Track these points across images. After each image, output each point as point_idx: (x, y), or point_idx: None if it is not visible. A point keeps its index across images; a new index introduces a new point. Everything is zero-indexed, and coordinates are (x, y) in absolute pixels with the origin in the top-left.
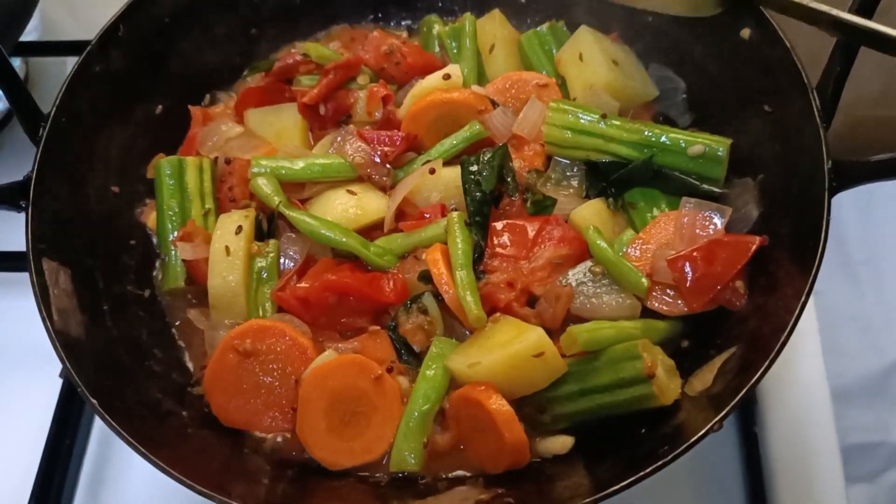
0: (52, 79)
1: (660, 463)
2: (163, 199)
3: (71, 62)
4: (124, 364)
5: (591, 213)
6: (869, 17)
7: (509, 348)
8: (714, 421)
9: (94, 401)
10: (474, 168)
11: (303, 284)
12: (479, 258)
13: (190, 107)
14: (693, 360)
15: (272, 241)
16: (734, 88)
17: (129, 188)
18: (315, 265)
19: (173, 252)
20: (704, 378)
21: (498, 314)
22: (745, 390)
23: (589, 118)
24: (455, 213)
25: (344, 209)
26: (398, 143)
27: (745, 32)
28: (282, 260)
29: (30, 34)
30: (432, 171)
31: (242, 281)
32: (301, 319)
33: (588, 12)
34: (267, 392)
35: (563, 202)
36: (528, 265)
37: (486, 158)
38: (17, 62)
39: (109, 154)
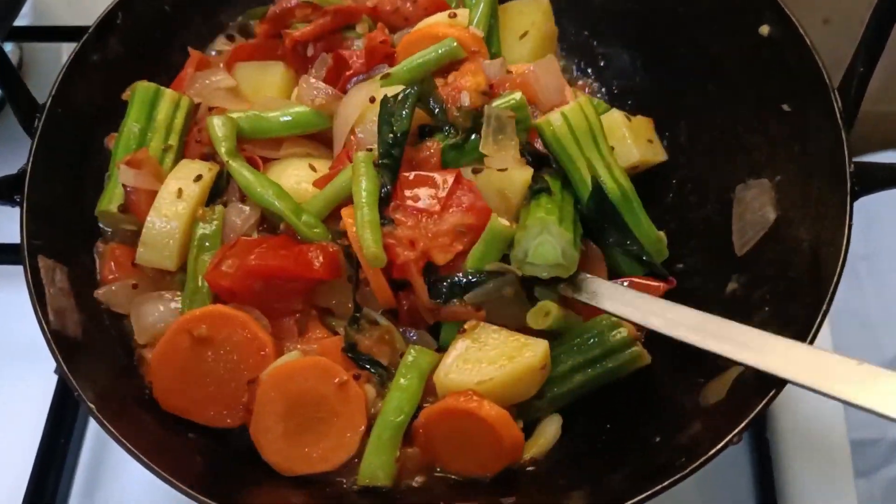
0: (46, 64)
1: (678, 476)
2: (127, 121)
3: (66, 48)
4: (123, 366)
5: (521, 182)
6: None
7: (518, 362)
8: (733, 433)
9: (92, 406)
10: (389, 105)
11: (225, 269)
12: (385, 201)
13: (189, 48)
14: (707, 369)
15: (218, 208)
16: (751, 86)
17: None
18: (234, 246)
19: (116, 173)
20: (719, 389)
21: (474, 323)
22: (764, 402)
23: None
24: (361, 153)
25: (297, 181)
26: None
27: (765, 29)
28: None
29: (22, 18)
30: (372, 100)
31: (183, 229)
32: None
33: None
34: (216, 384)
35: (495, 158)
36: (433, 227)
37: (402, 95)
38: (9, 47)
39: (106, 146)
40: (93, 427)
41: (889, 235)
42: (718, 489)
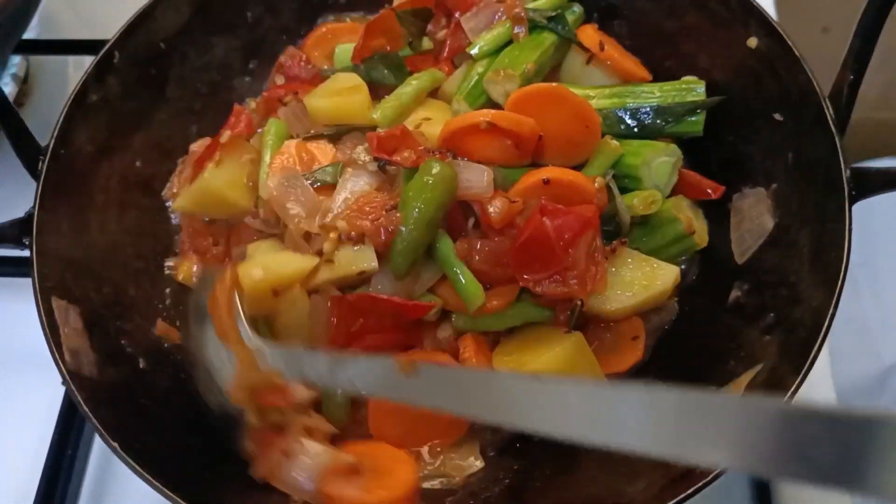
0: (52, 77)
1: (700, 484)
2: None
3: (73, 61)
4: (141, 404)
5: None
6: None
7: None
8: None
9: (116, 444)
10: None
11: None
12: None
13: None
14: (717, 375)
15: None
16: (742, 98)
17: (129, 219)
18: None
19: None
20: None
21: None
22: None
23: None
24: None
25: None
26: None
27: (752, 42)
28: None
29: (29, 31)
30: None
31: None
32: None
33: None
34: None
35: None
36: (574, 273)
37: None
38: (16, 59)
39: (109, 185)
40: (100, 440)
41: (886, 242)
42: (717, 500)
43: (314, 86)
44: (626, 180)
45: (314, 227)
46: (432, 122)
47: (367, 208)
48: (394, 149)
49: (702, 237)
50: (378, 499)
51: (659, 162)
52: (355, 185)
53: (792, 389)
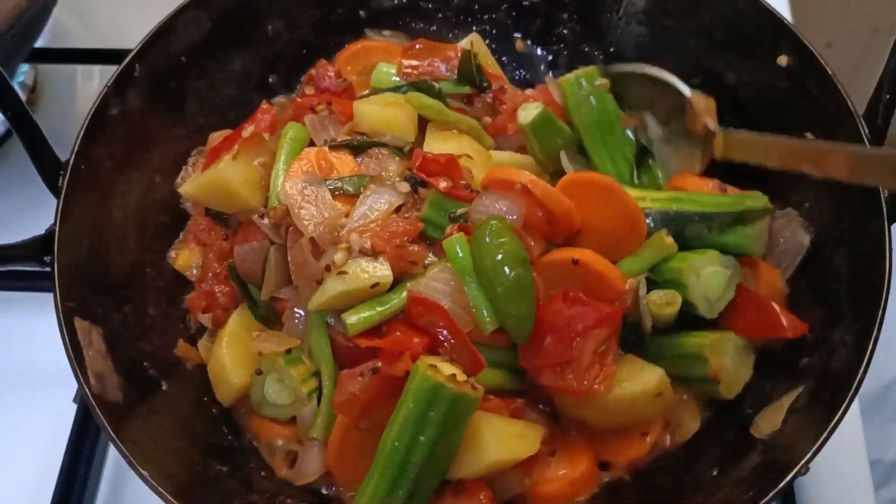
0: (61, 86)
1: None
2: None
3: (82, 70)
4: (166, 427)
5: None
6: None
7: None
8: (801, 463)
9: (145, 473)
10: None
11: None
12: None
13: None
14: (755, 397)
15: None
16: (771, 117)
17: (148, 236)
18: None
19: None
20: (772, 419)
21: None
22: (827, 431)
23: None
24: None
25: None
26: None
27: (783, 60)
28: None
29: (39, 40)
30: None
31: None
32: None
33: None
34: None
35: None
36: (577, 367)
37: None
38: (25, 68)
39: (128, 202)
40: (112, 456)
41: None
42: None
43: (348, 99)
44: (668, 285)
45: (326, 236)
46: (472, 162)
47: (387, 232)
48: (435, 173)
49: (730, 388)
50: None
51: (710, 271)
52: (376, 203)
53: (841, 412)
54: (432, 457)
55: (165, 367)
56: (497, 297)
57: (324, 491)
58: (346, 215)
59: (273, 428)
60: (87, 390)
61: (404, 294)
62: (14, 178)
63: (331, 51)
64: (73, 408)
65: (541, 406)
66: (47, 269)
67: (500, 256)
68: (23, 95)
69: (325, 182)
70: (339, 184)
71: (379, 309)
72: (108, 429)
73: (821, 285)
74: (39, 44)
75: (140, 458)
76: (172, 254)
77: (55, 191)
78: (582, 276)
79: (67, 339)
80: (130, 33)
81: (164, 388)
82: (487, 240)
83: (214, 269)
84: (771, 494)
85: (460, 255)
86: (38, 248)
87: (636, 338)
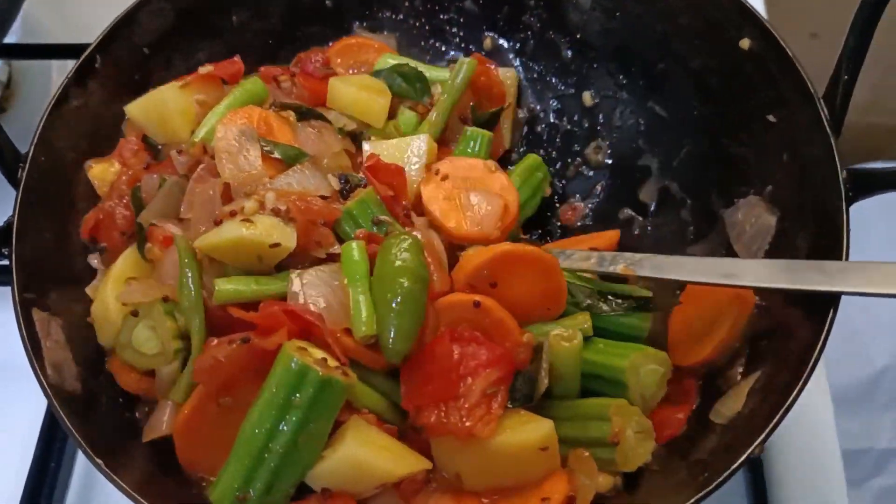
0: (35, 82)
1: (703, 493)
2: None
3: (56, 65)
4: (125, 417)
5: None
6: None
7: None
8: (755, 444)
9: (101, 461)
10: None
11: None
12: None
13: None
14: (712, 385)
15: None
16: (735, 100)
17: None
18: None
19: None
20: (732, 404)
21: None
22: (782, 411)
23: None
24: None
25: None
26: None
27: (745, 43)
28: None
29: (11, 35)
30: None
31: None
32: None
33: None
34: None
35: None
36: (462, 406)
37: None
38: None
39: (90, 191)
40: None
41: (873, 246)
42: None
43: (320, 84)
44: (603, 384)
45: (241, 187)
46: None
47: (305, 204)
48: (381, 180)
49: (626, 459)
50: None
51: (648, 369)
52: (303, 181)
53: (796, 391)
54: (295, 447)
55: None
56: (383, 304)
57: None
58: (270, 177)
59: (131, 375)
60: (43, 381)
61: (283, 284)
62: None
63: (297, 41)
64: (44, 403)
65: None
66: (4, 261)
67: (399, 264)
68: None
69: (258, 140)
70: (271, 147)
71: (254, 287)
72: (63, 417)
73: None
74: (13, 39)
75: (95, 447)
76: (90, 163)
77: (14, 183)
78: (481, 320)
79: (24, 331)
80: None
81: None
82: (395, 250)
83: (123, 192)
84: (725, 475)
85: (356, 258)
86: None
87: (529, 393)
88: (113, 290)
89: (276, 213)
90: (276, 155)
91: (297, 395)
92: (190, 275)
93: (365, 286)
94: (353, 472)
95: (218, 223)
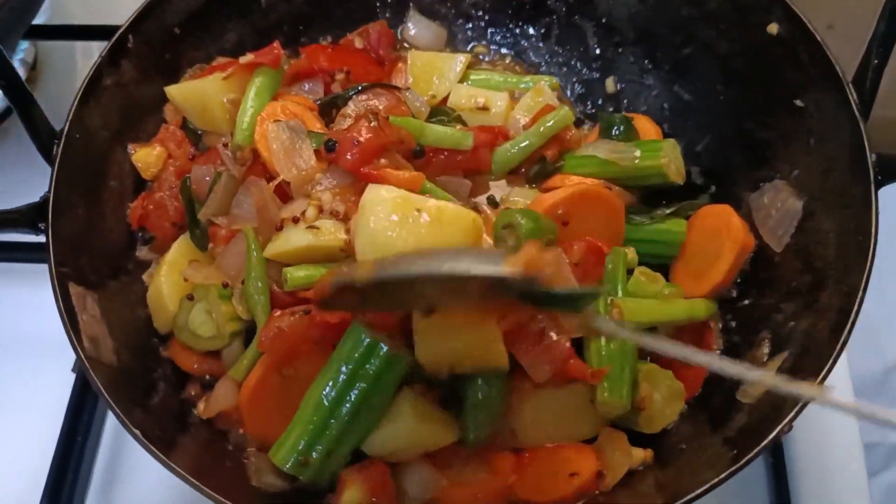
0: (60, 62)
1: (733, 468)
2: None
3: (81, 46)
4: (162, 390)
5: None
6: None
7: None
8: (784, 422)
9: (138, 432)
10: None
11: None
12: None
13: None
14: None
15: None
16: (762, 84)
17: None
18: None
19: None
20: (759, 385)
21: None
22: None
23: None
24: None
25: None
26: None
27: (773, 28)
28: None
29: (38, 16)
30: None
31: None
32: None
33: None
34: None
35: None
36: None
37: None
38: (25, 45)
39: (123, 171)
40: (110, 424)
41: (889, 240)
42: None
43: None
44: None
45: (300, 187)
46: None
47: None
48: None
49: (651, 422)
50: None
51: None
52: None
53: (825, 372)
54: (357, 416)
55: (163, 334)
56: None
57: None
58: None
59: (190, 356)
60: (80, 353)
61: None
62: (15, 154)
63: (326, 24)
64: (72, 378)
65: None
66: (41, 236)
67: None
68: (23, 73)
69: (304, 132)
70: (314, 140)
71: (324, 273)
72: (102, 390)
73: (808, 251)
74: (39, 20)
75: (133, 418)
76: (132, 147)
77: (50, 160)
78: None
79: (62, 304)
80: (129, 10)
81: (162, 353)
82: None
83: (172, 182)
84: (754, 452)
85: None
86: (32, 215)
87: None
88: (167, 277)
89: (334, 215)
90: (312, 143)
91: (366, 367)
92: (259, 269)
93: None
94: (406, 441)
95: (280, 228)
